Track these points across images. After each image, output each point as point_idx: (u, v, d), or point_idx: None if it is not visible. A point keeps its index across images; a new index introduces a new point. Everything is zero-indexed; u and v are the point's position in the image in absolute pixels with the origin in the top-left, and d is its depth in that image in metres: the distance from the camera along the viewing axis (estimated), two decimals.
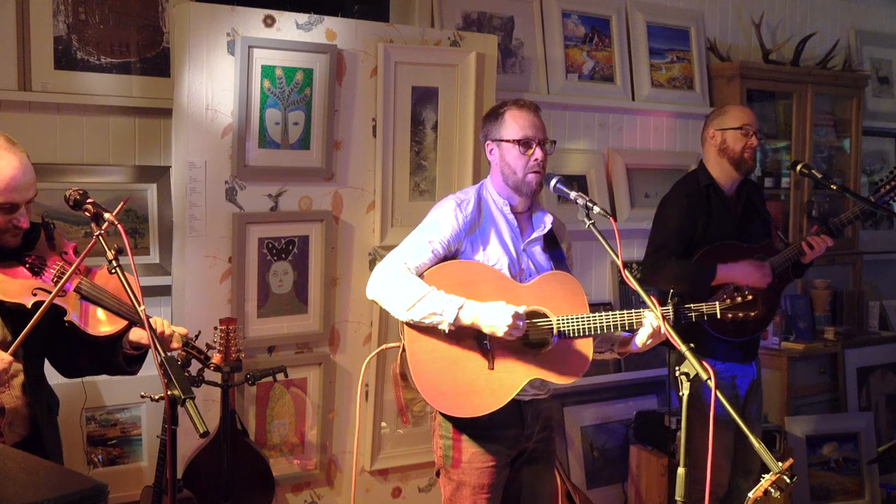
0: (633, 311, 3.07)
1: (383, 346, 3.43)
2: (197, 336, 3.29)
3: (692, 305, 3.15)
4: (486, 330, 2.94)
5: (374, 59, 4.15)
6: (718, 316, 3.15)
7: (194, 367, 3.37)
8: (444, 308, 2.93)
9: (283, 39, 3.92)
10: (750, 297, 3.16)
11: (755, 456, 4.17)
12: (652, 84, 5.39)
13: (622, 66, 5.28)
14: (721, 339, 4.01)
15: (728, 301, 3.16)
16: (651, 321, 3.01)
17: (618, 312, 3.07)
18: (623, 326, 3.07)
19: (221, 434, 3.68)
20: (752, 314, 3.17)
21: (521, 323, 2.93)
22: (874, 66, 6.56)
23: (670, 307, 3.07)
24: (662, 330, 2.93)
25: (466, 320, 2.94)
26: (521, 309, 2.94)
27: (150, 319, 2.69)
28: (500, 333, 2.92)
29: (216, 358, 3.46)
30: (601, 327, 3.05)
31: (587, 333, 3.04)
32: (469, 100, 4.38)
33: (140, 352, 2.90)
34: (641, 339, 3.07)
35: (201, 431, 2.29)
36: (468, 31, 4.59)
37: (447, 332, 2.96)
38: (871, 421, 5.65)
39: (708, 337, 3.99)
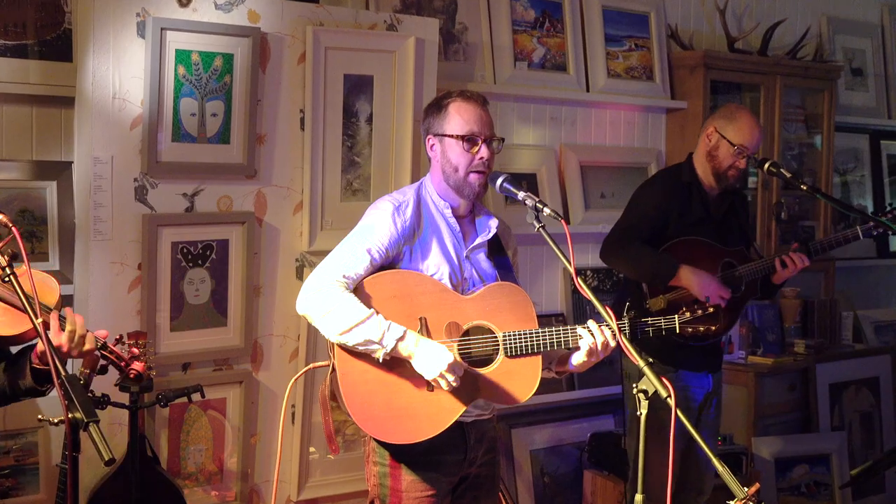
0: (577, 326, 3.09)
1: (311, 366, 3.43)
2: (118, 340, 3.06)
3: (649, 319, 3.21)
4: (416, 368, 2.98)
5: (303, 43, 4.15)
6: (678, 330, 3.22)
7: (102, 381, 3.31)
8: (382, 336, 2.95)
9: (200, 21, 3.91)
10: (711, 310, 3.23)
11: (706, 475, 4.27)
12: (608, 74, 5.45)
13: (576, 54, 5.33)
14: (677, 342, 4.01)
15: (688, 314, 3.23)
16: (588, 341, 3.03)
17: (567, 327, 3.10)
18: (567, 343, 3.09)
19: (129, 462, 3.65)
20: (714, 328, 3.24)
21: (452, 378, 2.95)
22: (847, 56, 6.69)
23: (626, 321, 3.12)
24: (610, 346, 3.01)
25: (403, 353, 2.98)
26: (463, 363, 2.99)
27: (65, 311, 2.60)
28: (427, 378, 2.97)
29: (137, 366, 3.25)
30: (552, 343, 3.08)
31: (536, 350, 3.08)
32: (407, 90, 4.40)
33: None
34: (579, 359, 3.09)
35: (106, 459, 2.28)
36: (406, 13, 4.61)
37: (381, 360, 2.98)
38: (845, 441, 5.75)
39: (662, 340, 4.04)
